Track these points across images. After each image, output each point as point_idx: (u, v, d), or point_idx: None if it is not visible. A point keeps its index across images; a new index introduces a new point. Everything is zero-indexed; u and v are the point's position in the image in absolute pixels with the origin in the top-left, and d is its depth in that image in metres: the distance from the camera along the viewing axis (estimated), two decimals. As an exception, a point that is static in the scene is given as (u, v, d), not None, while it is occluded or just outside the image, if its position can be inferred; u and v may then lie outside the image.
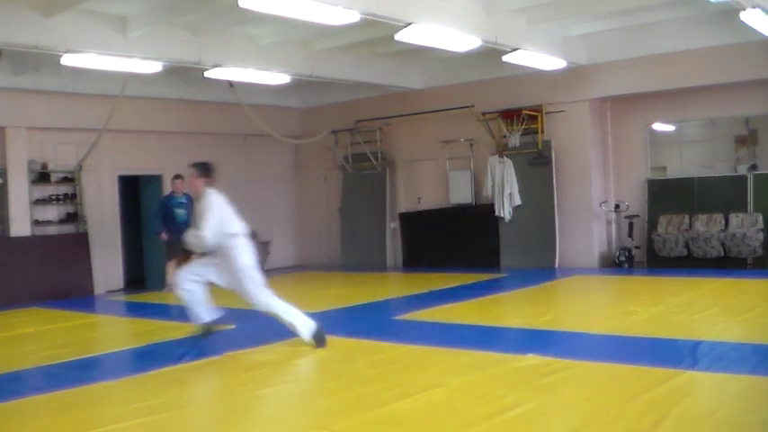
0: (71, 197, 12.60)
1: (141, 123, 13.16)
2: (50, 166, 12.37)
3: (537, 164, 12.93)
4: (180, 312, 6.77)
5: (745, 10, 8.37)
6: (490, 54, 10.79)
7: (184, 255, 11.02)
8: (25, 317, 9.93)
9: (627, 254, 12.30)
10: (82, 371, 6.41)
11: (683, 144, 13.40)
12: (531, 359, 5.86)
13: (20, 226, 11.86)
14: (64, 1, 8.47)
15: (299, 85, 13.33)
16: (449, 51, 10.45)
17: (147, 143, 13.52)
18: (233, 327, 8.36)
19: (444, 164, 14.19)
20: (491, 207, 13.23)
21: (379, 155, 14.86)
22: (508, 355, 6.13)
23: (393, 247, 14.72)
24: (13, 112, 11.75)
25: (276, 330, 7.81)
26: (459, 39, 9.52)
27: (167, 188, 13.94)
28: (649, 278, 11.18)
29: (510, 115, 13.01)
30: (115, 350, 7.58)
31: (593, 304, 9.43)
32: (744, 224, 11.43)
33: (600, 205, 12.72)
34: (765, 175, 11.62)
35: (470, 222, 13.70)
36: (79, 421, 4.82)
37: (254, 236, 7.50)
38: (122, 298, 12.21)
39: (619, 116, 12.89)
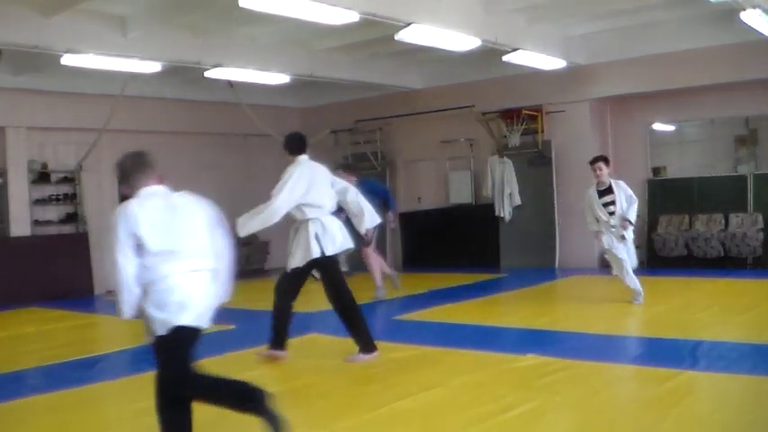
0: (71, 197, 12.60)
1: (141, 123, 13.15)
2: (50, 166, 12.37)
3: (537, 164, 12.93)
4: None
5: (745, 10, 8.37)
6: (490, 54, 10.78)
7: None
8: (25, 317, 9.93)
9: (627, 254, 12.28)
10: (82, 371, 6.41)
11: (683, 144, 13.41)
12: (531, 359, 5.87)
13: (20, 226, 11.86)
14: (64, 1, 8.47)
15: (298, 85, 13.33)
16: (449, 51, 10.45)
17: (147, 143, 13.41)
18: (234, 327, 8.37)
19: (444, 164, 14.19)
20: (491, 207, 13.23)
21: (379, 155, 14.85)
22: (508, 355, 6.13)
23: (393, 247, 14.72)
24: (13, 112, 11.74)
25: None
26: (459, 39, 9.52)
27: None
28: (649, 278, 11.13)
29: (510, 115, 13.00)
30: (115, 350, 7.58)
31: (593, 304, 9.42)
32: (744, 224, 11.43)
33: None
34: (765, 175, 11.63)
35: (470, 222, 13.70)
36: (79, 421, 4.82)
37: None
38: (122, 298, 12.19)
39: (619, 116, 12.89)
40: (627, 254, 8.31)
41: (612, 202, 8.26)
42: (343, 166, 9.99)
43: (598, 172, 8.31)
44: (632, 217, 8.22)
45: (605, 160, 8.45)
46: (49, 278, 11.67)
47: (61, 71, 10.66)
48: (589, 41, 11.99)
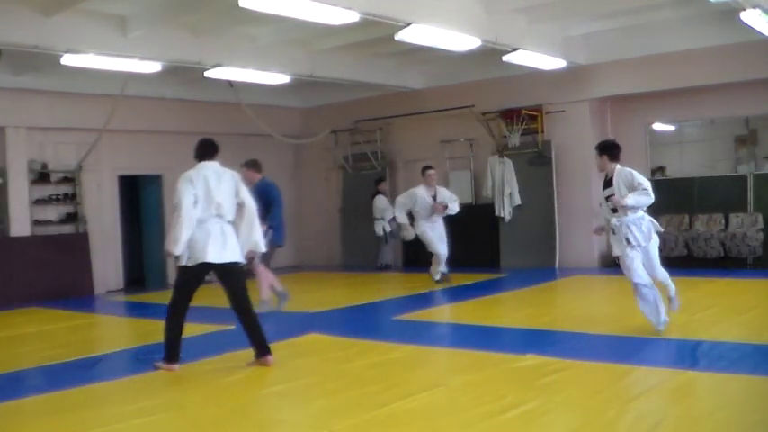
0: (71, 197, 12.60)
1: (141, 123, 13.16)
2: (50, 166, 12.37)
3: (537, 164, 12.93)
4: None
5: (745, 10, 8.37)
6: (490, 54, 10.79)
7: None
8: (25, 317, 9.93)
9: (627, 254, 12.26)
10: (82, 371, 6.41)
11: (683, 144, 13.40)
12: (531, 359, 5.86)
13: (20, 226, 11.85)
14: (64, 1, 8.47)
15: (299, 85, 13.33)
16: (449, 51, 10.45)
17: (147, 143, 13.51)
18: (233, 327, 8.37)
19: (444, 164, 14.18)
20: (491, 207, 13.23)
21: (379, 155, 14.86)
22: (508, 355, 6.13)
23: (393, 247, 14.72)
24: (13, 112, 11.75)
25: (276, 331, 7.82)
26: (459, 39, 9.52)
27: (167, 188, 13.96)
28: (649, 278, 11.17)
29: (510, 115, 13.00)
30: (115, 350, 7.58)
31: (593, 304, 9.42)
32: (744, 224, 11.43)
33: (600, 205, 12.68)
34: (765, 175, 11.63)
35: (470, 222, 13.69)
36: (79, 421, 4.82)
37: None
38: (122, 298, 12.21)
39: (619, 116, 12.89)
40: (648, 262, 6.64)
41: (612, 197, 6.67)
42: (249, 163, 9.24)
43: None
44: (629, 201, 6.45)
45: (601, 148, 6.84)
46: (49, 278, 11.68)
47: (61, 71, 10.67)
48: (589, 41, 11.99)
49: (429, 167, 11.43)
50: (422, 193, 11.06)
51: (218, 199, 6.00)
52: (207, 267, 6.01)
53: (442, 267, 11.12)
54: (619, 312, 8.21)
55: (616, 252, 6.77)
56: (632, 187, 6.52)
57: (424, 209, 11.01)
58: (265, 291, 8.93)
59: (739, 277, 10.34)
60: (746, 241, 11.14)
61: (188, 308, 6.17)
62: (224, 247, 5.99)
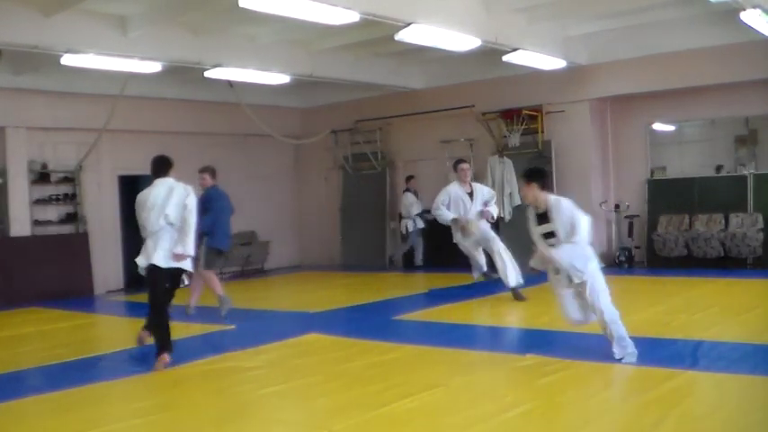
0: (71, 197, 12.60)
1: (141, 123, 13.15)
2: (50, 166, 12.37)
3: (537, 164, 12.91)
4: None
5: (745, 10, 8.37)
6: (490, 54, 10.79)
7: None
8: (25, 317, 9.93)
9: (627, 254, 12.29)
10: (82, 371, 6.42)
11: (683, 144, 13.40)
12: (531, 359, 5.86)
13: (20, 226, 11.86)
14: (64, 1, 8.48)
15: (299, 85, 13.33)
16: (449, 51, 10.45)
17: (147, 143, 13.46)
18: (233, 327, 8.37)
19: (444, 164, 14.17)
20: (491, 207, 13.22)
21: (379, 155, 14.86)
22: (508, 355, 6.14)
23: (393, 247, 14.72)
24: (13, 112, 11.74)
25: (275, 330, 7.84)
26: (459, 39, 9.52)
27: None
28: (649, 278, 11.18)
29: (510, 115, 13.00)
30: (115, 350, 7.58)
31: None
32: (744, 224, 11.43)
33: (600, 205, 12.71)
34: (765, 175, 11.62)
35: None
36: (79, 421, 4.82)
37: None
38: (122, 298, 12.21)
39: (619, 116, 12.89)
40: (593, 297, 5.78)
41: (552, 234, 5.74)
42: (204, 169, 9.11)
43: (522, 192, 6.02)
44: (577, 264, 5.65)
45: (528, 175, 5.91)
46: (49, 278, 11.67)
47: (61, 71, 10.66)
48: (589, 41, 11.99)
49: (462, 161, 9.94)
50: (455, 190, 9.57)
51: (167, 210, 6.55)
52: (158, 268, 6.58)
53: (478, 274, 10.06)
54: (619, 312, 8.19)
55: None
56: (573, 225, 5.62)
57: (458, 209, 9.50)
58: (218, 288, 8.93)
59: (739, 277, 10.34)
60: (746, 241, 11.13)
61: (168, 302, 6.72)
62: (170, 255, 6.58)
